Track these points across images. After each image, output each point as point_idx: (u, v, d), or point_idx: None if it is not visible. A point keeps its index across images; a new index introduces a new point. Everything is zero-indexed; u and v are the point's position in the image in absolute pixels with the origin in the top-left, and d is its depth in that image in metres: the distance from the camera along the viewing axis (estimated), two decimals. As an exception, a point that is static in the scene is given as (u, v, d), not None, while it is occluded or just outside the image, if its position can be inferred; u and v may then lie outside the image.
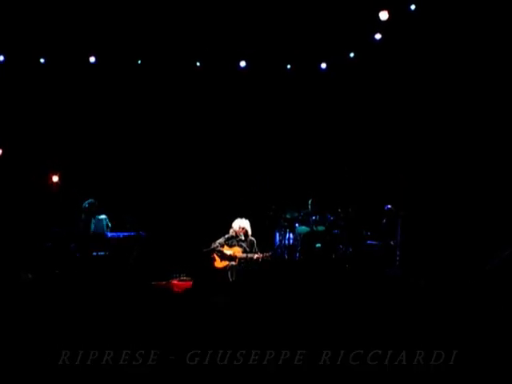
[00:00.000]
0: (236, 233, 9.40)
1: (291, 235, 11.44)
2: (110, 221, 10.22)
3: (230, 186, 12.16)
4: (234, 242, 9.33)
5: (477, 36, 10.17)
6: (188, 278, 9.72)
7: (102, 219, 10.02)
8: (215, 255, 9.20)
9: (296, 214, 11.44)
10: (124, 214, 10.84)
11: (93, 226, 9.99)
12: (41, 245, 9.64)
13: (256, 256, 9.08)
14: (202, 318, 5.56)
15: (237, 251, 9.21)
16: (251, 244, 9.40)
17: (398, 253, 9.94)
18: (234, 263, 9.08)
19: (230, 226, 9.51)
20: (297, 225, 11.43)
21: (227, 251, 9.20)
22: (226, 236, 9.41)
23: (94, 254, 9.78)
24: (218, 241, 9.31)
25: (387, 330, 5.10)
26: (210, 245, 9.29)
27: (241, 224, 9.45)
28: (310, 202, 11.51)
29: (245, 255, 9.13)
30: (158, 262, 10.11)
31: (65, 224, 9.93)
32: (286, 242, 11.39)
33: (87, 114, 11.87)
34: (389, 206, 10.66)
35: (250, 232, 9.49)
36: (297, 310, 5.88)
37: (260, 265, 9.02)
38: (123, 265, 9.83)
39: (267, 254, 9.17)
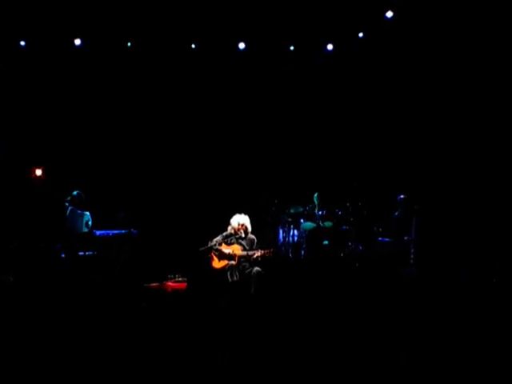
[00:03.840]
0: (235, 230, 9.28)
1: (296, 232, 11.49)
2: (98, 218, 10.31)
3: (228, 180, 12.24)
4: (233, 240, 9.24)
5: (495, 15, 10.31)
6: (183, 279, 9.79)
7: (80, 215, 10.10)
8: (213, 254, 9.12)
9: (301, 209, 11.45)
10: (114, 210, 10.88)
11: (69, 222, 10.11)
12: (23, 244, 9.68)
13: (257, 254, 8.98)
14: (198, 322, 5.83)
15: (236, 249, 9.10)
16: (251, 242, 9.31)
17: (412, 250, 9.95)
18: (233, 262, 8.99)
19: (228, 223, 9.39)
20: (302, 220, 11.46)
21: (226, 250, 9.11)
22: (224, 233, 9.30)
23: (81, 253, 9.79)
24: (216, 239, 9.21)
25: (401, 335, 5.34)
26: (207, 243, 9.17)
27: (240, 220, 9.32)
28: (315, 195, 11.53)
29: (245, 253, 9.04)
30: (151, 262, 10.17)
31: (49, 222, 10.00)
32: (290, 239, 11.41)
33: (72, 102, 11.94)
34: (402, 196, 10.63)
35: (249, 229, 9.38)
36: (302, 313, 6.21)
37: (262, 264, 8.96)
38: (113, 265, 9.90)
39: (269, 251, 9.09)
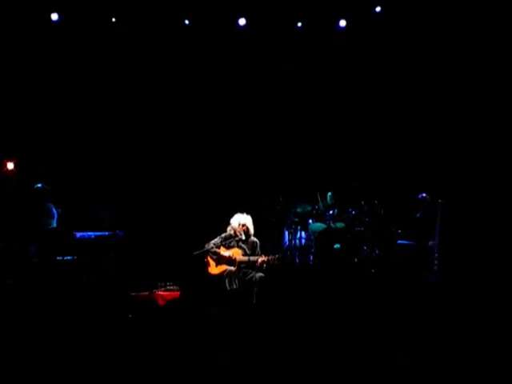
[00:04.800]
0: (235, 231, 8.99)
1: (303, 234, 11.57)
2: (78, 218, 10.29)
3: (227, 176, 12.10)
4: (233, 243, 8.98)
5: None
6: (176, 288, 9.55)
7: (42, 207, 9.82)
8: (210, 259, 8.87)
9: (309, 208, 11.49)
10: (98, 209, 10.85)
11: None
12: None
13: (260, 260, 8.71)
14: (192, 336, 5.55)
15: (236, 253, 8.85)
16: (253, 245, 9.04)
17: (435, 255, 9.62)
18: (232, 268, 8.73)
19: (228, 223, 9.14)
20: (310, 221, 11.50)
21: (224, 254, 8.85)
22: (223, 235, 9.05)
23: (59, 258, 9.50)
24: (213, 241, 8.95)
25: (425, 351, 5.06)
26: (203, 246, 8.94)
27: (241, 220, 9.03)
28: (329, 194, 11.54)
29: (246, 258, 8.78)
30: (138, 268, 10.02)
31: (21, 221, 9.73)
32: (298, 242, 11.49)
33: (48, 88, 11.68)
34: (424, 195, 10.32)
35: (252, 230, 9.11)
36: (311, 326, 5.92)
37: (265, 270, 8.79)
38: (96, 272, 9.71)
39: (274, 258, 8.74)
